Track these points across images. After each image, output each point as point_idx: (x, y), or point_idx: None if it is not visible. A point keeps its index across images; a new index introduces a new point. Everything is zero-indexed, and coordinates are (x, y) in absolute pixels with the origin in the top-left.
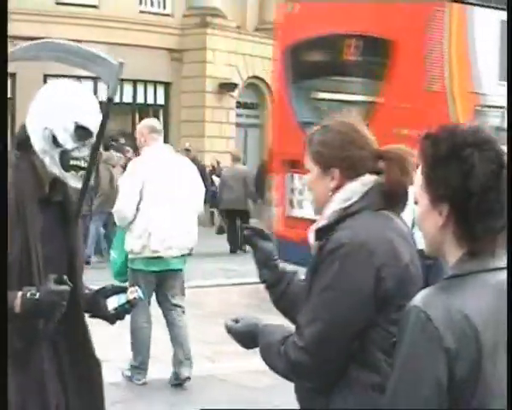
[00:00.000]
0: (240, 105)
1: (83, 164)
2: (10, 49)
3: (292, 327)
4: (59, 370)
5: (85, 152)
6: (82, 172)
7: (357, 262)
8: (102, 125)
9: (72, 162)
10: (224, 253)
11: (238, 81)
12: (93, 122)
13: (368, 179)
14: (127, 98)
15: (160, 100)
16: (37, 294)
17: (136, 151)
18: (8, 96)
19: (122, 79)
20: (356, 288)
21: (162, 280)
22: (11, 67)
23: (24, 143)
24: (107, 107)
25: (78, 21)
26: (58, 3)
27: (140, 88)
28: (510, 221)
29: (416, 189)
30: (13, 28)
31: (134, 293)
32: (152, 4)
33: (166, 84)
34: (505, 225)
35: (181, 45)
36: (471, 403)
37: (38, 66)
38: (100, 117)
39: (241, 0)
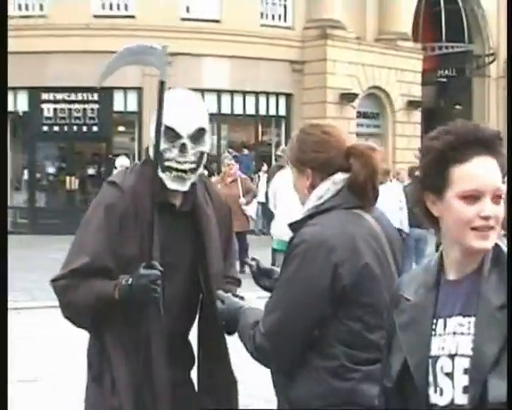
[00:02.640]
0: (360, 115)
1: (174, 165)
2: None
3: None
4: (172, 374)
5: (175, 153)
6: (175, 174)
7: (315, 259)
8: (159, 111)
9: (165, 164)
10: None
11: (358, 91)
12: (180, 123)
13: (339, 178)
14: (250, 110)
15: (282, 111)
16: (130, 279)
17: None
18: (135, 110)
19: (244, 92)
20: (312, 283)
21: None
22: (134, 82)
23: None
24: (161, 90)
25: (201, 36)
26: (183, 19)
27: (262, 100)
28: (510, 219)
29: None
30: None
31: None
32: (273, 18)
33: (288, 96)
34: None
35: (302, 57)
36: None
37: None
38: (198, 122)
39: (360, 11)
